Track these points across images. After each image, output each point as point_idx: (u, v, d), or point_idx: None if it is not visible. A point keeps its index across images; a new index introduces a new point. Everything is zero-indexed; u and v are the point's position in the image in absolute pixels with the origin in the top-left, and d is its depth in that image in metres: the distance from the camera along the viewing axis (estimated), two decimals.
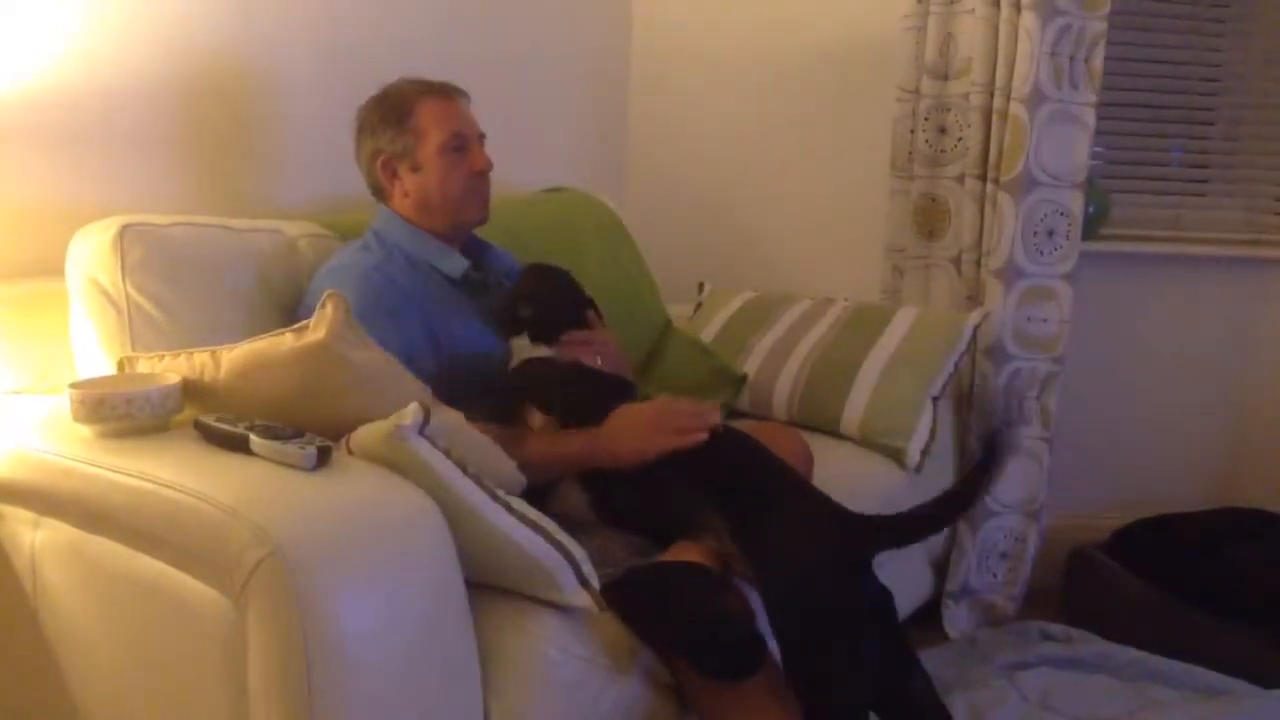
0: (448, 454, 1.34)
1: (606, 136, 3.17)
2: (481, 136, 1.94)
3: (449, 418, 1.48)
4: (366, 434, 1.35)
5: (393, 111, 1.88)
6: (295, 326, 1.42)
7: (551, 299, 1.86)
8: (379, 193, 1.93)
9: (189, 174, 2.05)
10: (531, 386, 1.77)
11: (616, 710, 1.45)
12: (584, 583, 1.40)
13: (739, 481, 1.64)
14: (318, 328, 1.40)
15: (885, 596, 1.59)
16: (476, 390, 1.71)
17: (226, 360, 1.45)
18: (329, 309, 1.41)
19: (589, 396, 1.75)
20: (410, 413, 1.32)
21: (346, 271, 1.80)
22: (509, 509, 1.36)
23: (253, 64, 2.14)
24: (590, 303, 1.93)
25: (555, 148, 2.95)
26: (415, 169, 1.88)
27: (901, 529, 1.66)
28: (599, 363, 1.84)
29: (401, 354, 1.69)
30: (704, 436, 1.66)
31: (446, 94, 1.91)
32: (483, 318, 1.91)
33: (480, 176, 1.92)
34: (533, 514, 1.39)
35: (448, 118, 1.89)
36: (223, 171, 2.11)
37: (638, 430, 1.68)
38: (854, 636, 1.50)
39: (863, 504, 1.66)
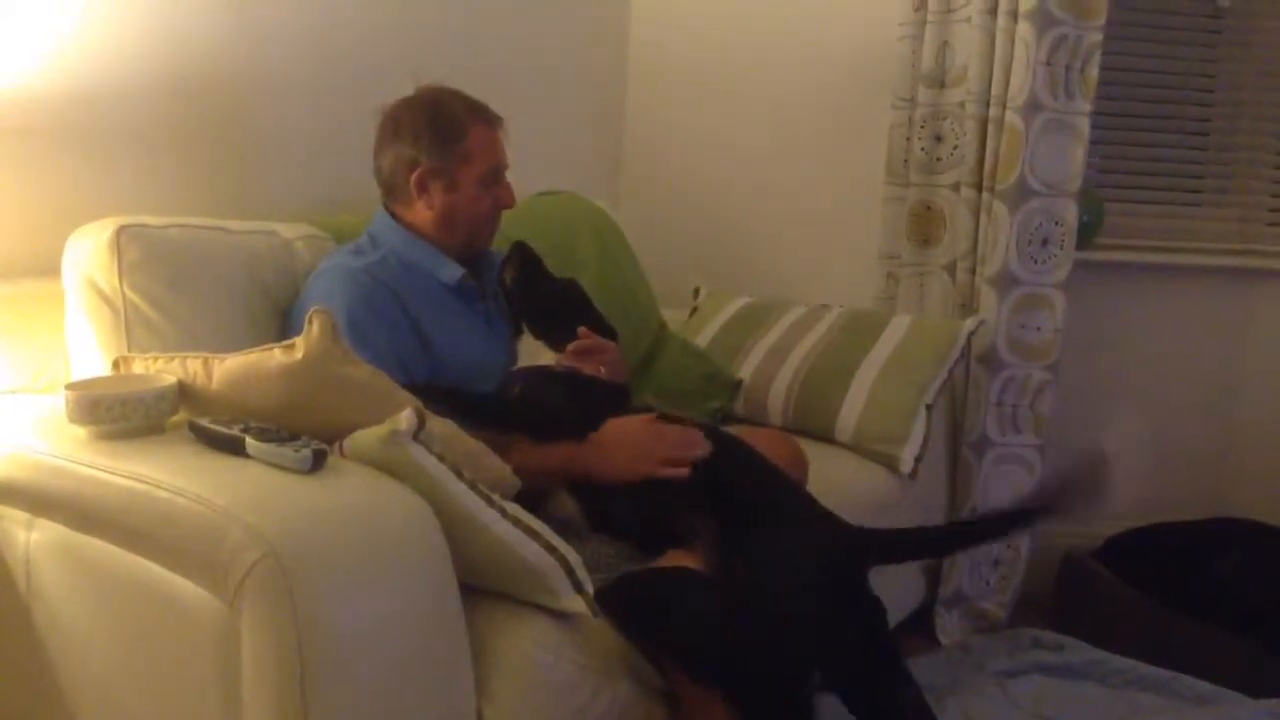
0: (442, 459, 1.34)
1: (603, 140, 3.18)
2: (508, 167, 1.95)
3: (442, 425, 1.48)
4: (361, 439, 1.35)
5: (445, 128, 1.86)
6: (284, 343, 1.41)
7: (538, 269, 1.89)
8: (395, 195, 1.91)
9: (186, 175, 2.05)
10: (528, 393, 1.77)
11: (608, 715, 1.45)
12: (578, 587, 1.40)
13: (733, 490, 1.63)
14: (298, 348, 1.39)
15: (877, 608, 1.58)
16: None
17: (219, 370, 1.44)
18: (314, 328, 1.39)
19: (581, 410, 1.73)
20: (405, 418, 1.32)
21: (337, 273, 1.80)
22: (504, 513, 1.36)
23: (249, 65, 2.14)
24: (588, 306, 1.93)
25: (552, 151, 2.94)
26: (450, 189, 1.87)
27: (900, 547, 1.65)
28: (601, 372, 1.84)
29: (392, 356, 1.69)
30: (686, 472, 1.64)
31: (491, 122, 1.91)
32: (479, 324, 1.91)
33: (501, 210, 1.94)
34: (527, 519, 1.39)
35: (493, 148, 1.90)
36: (219, 173, 2.11)
37: (623, 453, 1.67)
38: (820, 652, 1.50)
39: (856, 510, 1.67)
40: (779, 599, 1.48)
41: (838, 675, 1.55)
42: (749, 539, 1.55)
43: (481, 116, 1.90)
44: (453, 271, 1.89)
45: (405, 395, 1.47)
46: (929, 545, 1.66)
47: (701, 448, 1.66)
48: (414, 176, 1.87)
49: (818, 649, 1.50)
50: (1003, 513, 1.67)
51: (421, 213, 1.89)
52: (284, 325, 1.81)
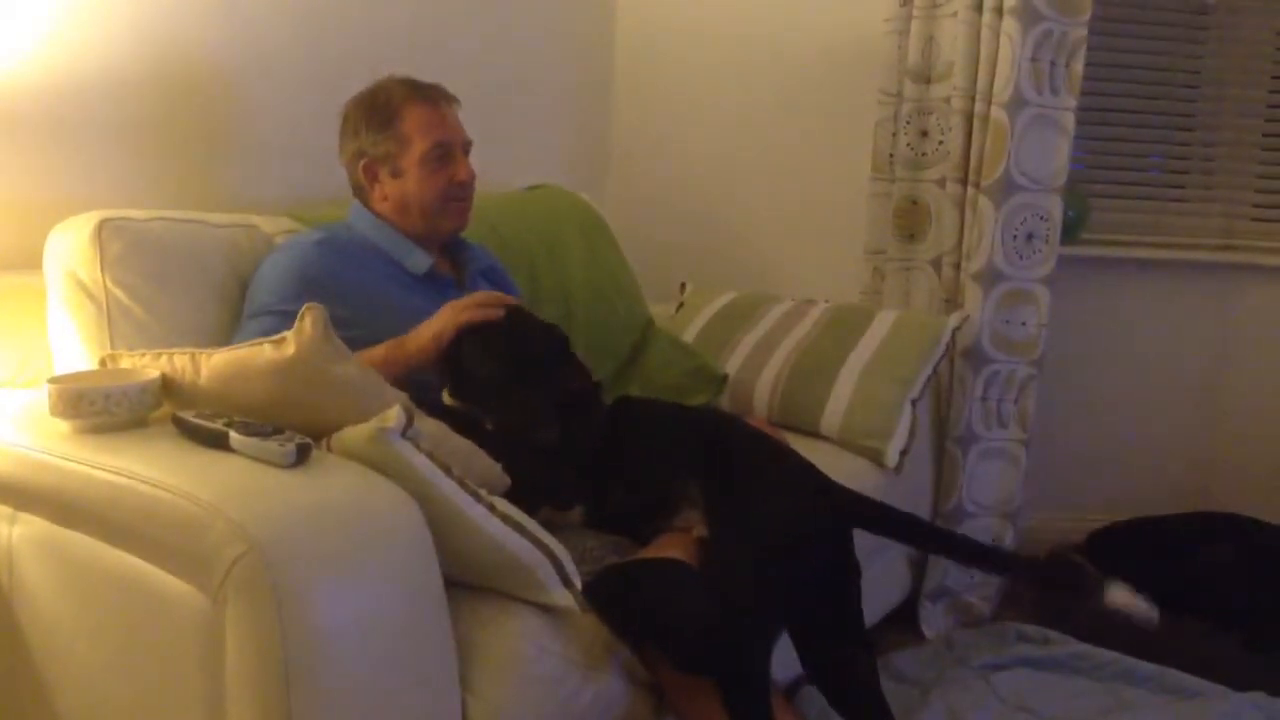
0: (430, 456, 1.34)
1: (590, 134, 3.17)
2: (467, 144, 1.93)
3: (431, 425, 1.48)
4: (349, 435, 1.35)
5: (378, 114, 1.86)
6: (275, 338, 1.40)
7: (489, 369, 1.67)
8: (359, 191, 1.93)
9: (167, 169, 2.04)
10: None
11: (594, 708, 1.45)
12: (567, 582, 1.40)
13: (723, 446, 1.66)
14: (290, 343, 1.38)
15: (853, 570, 1.62)
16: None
17: (206, 366, 1.44)
18: (306, 324, 1.38)
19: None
20: (393, 415, 1.32)
21: (287, 246, 1.82)
22: (492, 509, 1.36)
23: (231, 59, 2.13)
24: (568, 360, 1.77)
25: (538, 145, 2.95)
26: (396, 175, 1.87)
27: (882, 522, 1.68)
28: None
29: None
30: (500, 312, 1.65)
31: (434, 100, 1.89)
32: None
33: (461, 187, 1.91)
34: (516, 514, 1.39)
35: (433, 126, 1.87)
36: (201, 167, 2.11)
37: (433, 320, 1.67)
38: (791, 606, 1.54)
39: None
40: (766, 533, 1.53)
41: (803, 623, 1.60)
42: (738, 487, 1.59)
43: (421, 96, 1.88)
44: (420, 260, 1.89)
45: (395, 393, 1.47)
46: (904, 531, 1.69)
47: (507, 298, 1.66)
48: (360, 167, 1.87)
49: (796, 591, 1.54)
50: (987, 547, 1.70)
51: (380, 203, 1.90)
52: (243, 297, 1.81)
